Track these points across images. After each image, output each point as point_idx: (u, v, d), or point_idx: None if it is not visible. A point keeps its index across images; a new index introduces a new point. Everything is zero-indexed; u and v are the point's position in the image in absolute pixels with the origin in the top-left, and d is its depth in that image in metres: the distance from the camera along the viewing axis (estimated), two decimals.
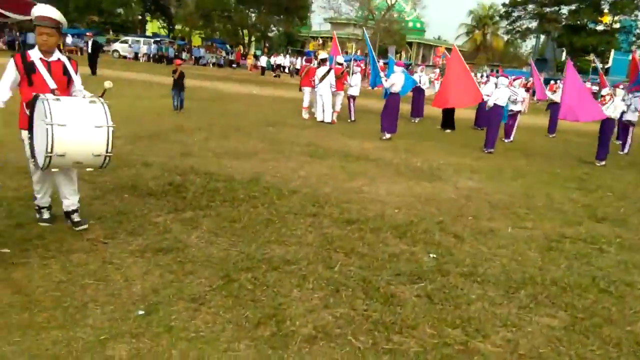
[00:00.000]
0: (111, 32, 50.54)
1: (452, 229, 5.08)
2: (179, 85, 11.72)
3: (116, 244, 3.92)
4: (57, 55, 3.87)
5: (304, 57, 29.99)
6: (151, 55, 38.68)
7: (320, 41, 35.04)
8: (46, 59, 3.80)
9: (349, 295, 3.48)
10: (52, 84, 3.74)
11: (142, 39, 40.85)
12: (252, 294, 3.35)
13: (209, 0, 45.10)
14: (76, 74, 3.98)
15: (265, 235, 4.43)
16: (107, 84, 3.91)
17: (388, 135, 11.00)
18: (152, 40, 41.34)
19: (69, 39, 38.48)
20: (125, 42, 40.47)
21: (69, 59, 3.99)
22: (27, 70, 3.73)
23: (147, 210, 4.75)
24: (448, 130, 13.62)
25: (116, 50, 39.72)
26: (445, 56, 14.24)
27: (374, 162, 8.25)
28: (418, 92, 15.45)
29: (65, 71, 3.89)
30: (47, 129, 3.35)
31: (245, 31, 51.21)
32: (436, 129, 13.71)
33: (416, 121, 15.21)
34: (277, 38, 58.37)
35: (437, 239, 4.76)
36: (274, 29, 54.65)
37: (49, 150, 3.37)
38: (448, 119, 13.74)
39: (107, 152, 3.63)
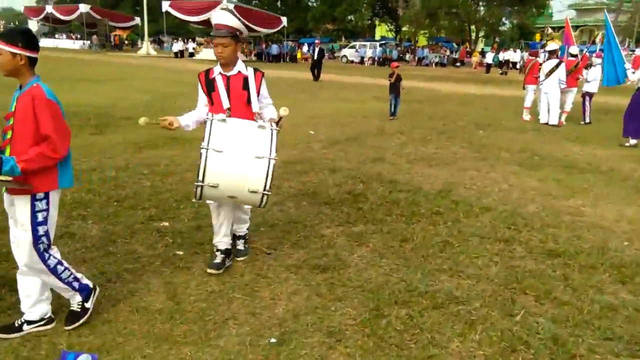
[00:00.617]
0: (343, 39, 54.48)
1: None
2: (395, 88, 11.46)
3: (277, 255, 3.83)
4: (238, 68, 3.39)
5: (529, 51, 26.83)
6: (376, 59, 40.06)
7: (549, 30, 30.75)
8: (226, 73, 3.38)
9: (528, 359, 2.66)
10: (225, 103, 3.35)
11: (367, 43, 42.67)
12: (399, 336, 2.82)
13: None
14: (258, 89, 3.43)
15: (436, 261, 3.80)
16: (283, 111, 3.28)
17: (633, 141, 8.84)
18: (378, 43, 42.82)
19: (305, 48, 42.82)
20: (353, 47, 42.87)
21: (256, 70, 3.45)
22: (209, 88, 3.40)
23: (318, 220, 4.61)
24: None
25: (345, 56, 42.40)
26: None
27: (604, 176, 6.62)
28: None
29: (246, 85, 3.39)
30: (201, 153, 2.99)
31: (473, 27, 48.84)
32: None
33: None
34: (510, 31, 54.05)
35: None
36: (505, 21, 50.75)
37: (200, 178, 2.99)
38: None
39: (264, 189, 3.06)
